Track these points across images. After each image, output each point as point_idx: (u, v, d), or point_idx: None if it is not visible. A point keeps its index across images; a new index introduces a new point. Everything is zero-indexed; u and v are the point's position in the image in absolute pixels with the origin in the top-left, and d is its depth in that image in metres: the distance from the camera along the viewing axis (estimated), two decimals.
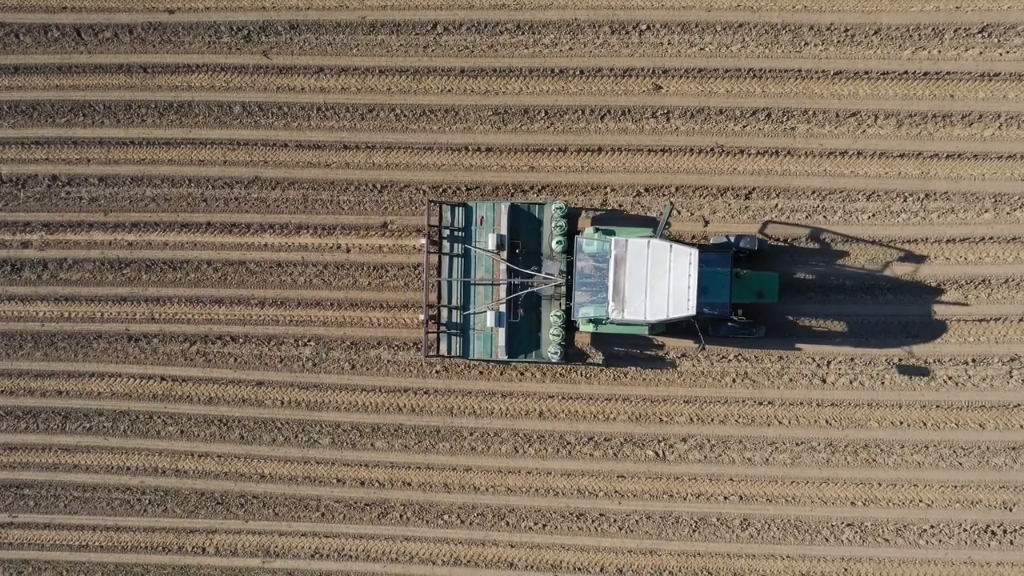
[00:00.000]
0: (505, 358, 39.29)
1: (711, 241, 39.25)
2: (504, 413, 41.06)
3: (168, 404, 42.59)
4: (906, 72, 39.09)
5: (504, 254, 38.95)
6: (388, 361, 41.62)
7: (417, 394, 41.49)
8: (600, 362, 40.48)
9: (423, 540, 41.79)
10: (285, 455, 42.23)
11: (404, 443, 41.69)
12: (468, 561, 41.60)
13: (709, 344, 39.43)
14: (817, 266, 39.60)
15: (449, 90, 40.90)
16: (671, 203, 38.49)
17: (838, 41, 39.27)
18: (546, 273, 39.18)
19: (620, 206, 40.12)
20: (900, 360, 39.48)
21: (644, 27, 39.86)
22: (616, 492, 40.84)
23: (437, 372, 41.34)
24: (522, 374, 40.87)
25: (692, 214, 39.84)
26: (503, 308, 38.96)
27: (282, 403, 42.12)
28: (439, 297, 39.74)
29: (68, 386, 43.05)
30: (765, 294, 38.40)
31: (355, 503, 42.01)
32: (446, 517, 41.63)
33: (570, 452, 41.00)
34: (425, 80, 40.96)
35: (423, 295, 39.67)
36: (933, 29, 38.88)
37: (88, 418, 42.99)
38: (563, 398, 40.80)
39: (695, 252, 35.73)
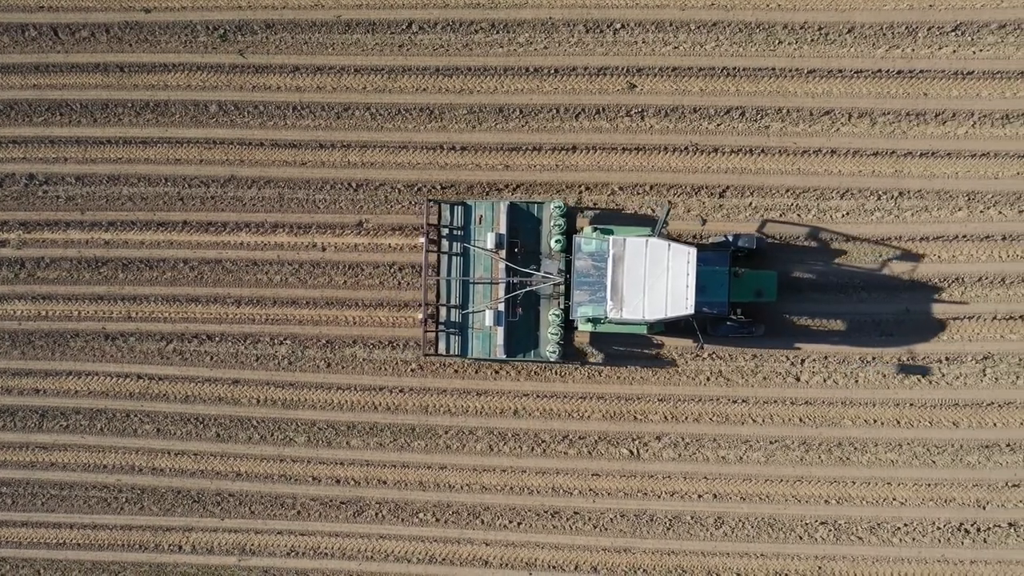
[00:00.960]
0: (504, 357, 39.24)
1: (709, 240, 39.22)
2: (479, 411, 41.07)
3: (144, 402, 42.66)
4: (880, 70, 39.10)
5: (503, 253, 38.91)
6: (363, 359, 41.65)
7: (392, 392, 41.53)
8: (587, 361, 40.51)
9: (398, 538, 41.80)
10: (261, 453, 42.26)
11: (379, 441, 41.72)
12: (443, 559, 41.60)
13: (708, 343, 39.31)
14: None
15: (424, 89, 40.96)
16: (669, 202, 38.47)
17: (812, 40, 39.28)
18: (545, 272, 39.16)
19: (594, 204, 40.16)
20: (873, 358, 39.45)
21: (618, 26, 39.89)
22: (591, 490, 40.84)
23: (412, 370, 41.37)
24: (497, 372, 40.88)
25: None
26: (502, 307, 38.95)
27: (258, 401, 42.16)
28: (437, 296, 39.73)
29: (45, 384, 43.12)
30: (763, 293, 38.33)
31: (330, 501, 42.04)
32: (421, 515, 41.64)
33: (545, 450, 41.00)
34: (400, 79, 41.02)
35: (422, 294, 39.51)
36: (907, 27, 38.89)
37: (65, 416, 43.06)
38: (538, 396, 40.80)
39: (693, 251, 35.69)
